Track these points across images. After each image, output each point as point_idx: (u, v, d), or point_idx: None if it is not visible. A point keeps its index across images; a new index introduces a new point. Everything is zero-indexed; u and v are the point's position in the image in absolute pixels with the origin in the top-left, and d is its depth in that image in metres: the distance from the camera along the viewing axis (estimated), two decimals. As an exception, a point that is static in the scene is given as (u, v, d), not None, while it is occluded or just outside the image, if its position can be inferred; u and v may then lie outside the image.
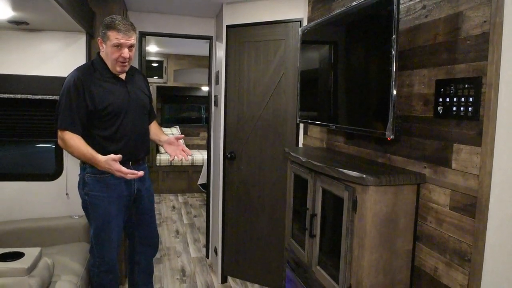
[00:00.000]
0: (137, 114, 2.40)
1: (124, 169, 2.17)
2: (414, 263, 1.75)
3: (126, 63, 2.28)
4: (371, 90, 1.84)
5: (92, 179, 2.30)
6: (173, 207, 6.02)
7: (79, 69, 2.32)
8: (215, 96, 3.70)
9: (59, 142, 2.27)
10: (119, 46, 2.20)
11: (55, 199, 3.00)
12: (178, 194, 6.75)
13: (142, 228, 2.58)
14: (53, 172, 3.05)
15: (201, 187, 6.11)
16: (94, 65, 2.32)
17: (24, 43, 2.87)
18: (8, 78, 2.78)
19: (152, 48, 6.21)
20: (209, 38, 3.81)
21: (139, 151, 2.44)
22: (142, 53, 3.73)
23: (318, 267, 2.04)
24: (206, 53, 3.95)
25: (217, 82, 3.59)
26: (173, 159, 2.55)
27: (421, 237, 1.72)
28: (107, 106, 2.26)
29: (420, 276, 1.72)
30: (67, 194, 3.02)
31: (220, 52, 3.47)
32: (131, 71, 2.44)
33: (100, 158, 2.17)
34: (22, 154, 3.20)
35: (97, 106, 2.24)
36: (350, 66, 2.03)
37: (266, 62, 3.12)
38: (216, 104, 3.63)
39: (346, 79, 2.07)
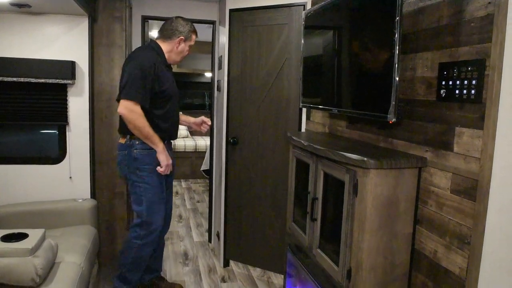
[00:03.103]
0: (177, 100, 2.77)
1: (170, 162, 2.59)
2: (414, 246, 1.76)
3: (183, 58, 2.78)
4: (374, 73, 1.83)
5: (142, 153, 2.55)
6: (176, 192, 6.05)
7: (152, 53, 2.59)
8: (218, 81, 3.69)
9: (127, 112, 2.43)
10: (191, 46, 2.74)
11: (59, 183, 3.03)
12: (182, 180, 6.78)
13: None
14: (57, 155, 3.07)
15: (204, 173, 6.14)
16: (158, 53, 2.63)
17: (27, 26, 2.86)
18: (11, 61, 2.78)
19: (155, 33, 6.18)
20: (212, 22, 3.79)
21: (176, 131, 2.83)
22: (145, 38, 3.71)
23: (319, 250, 2.05)
24: (210, 39, 3.93)
25: (220, 67, 3.57)
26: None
27: (421, 221, 1.72)
28: (166, 89, 2.59)
29: (419, 259, 1.73)
30: (70, 177, 3.04)
31: (223, 37, 3.45)
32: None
33: (164, 149, 2.55)
34: (26, 138, 3.22)
35: (159, 88, 2.54)
36: (354, 50, 2.02)
37: (269, 47, 3.10)
38: (219, 89, 3.62)
39: (349, 62, 2.06)
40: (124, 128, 2.55)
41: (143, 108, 2.45)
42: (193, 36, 2.71)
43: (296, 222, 2.40)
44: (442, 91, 1.58)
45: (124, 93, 2.44)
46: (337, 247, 1.87)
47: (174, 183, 6.57)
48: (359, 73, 1.97)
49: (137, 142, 2.54)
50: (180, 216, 4.90)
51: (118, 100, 2.52)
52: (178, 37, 2.65)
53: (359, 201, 1.69)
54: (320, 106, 2.35)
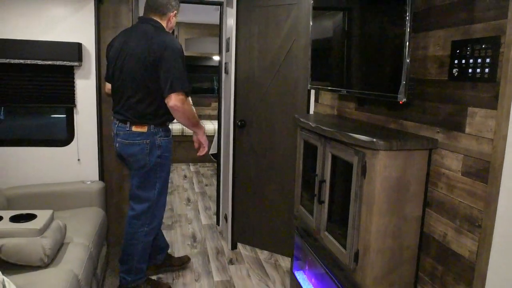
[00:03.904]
0: None
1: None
2: (423, 229, 1.74)
3: None
4: (384, 53, 1.78)
5: (166, 141, 2.54)
6: (185, 176, 6.07)
7: (172, 36, 2.51)
8: (225, 63, 3.65)
9: (182, 105, 2.36)
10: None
11: (67, 165, 3.04)
12: (190, 164, 6.80)
13: None
14: (65, 138, 3.07)
15: (212, 157, 6.13)
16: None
17: (33, 7, 2.84)
18: (17, 43, 2.77)
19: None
20: (219, 3, 3.73)
21: None
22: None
23: (326, 233, 2.03)
24: (217, 21, 3.87)
25: (227, 49, 3.53)
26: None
27: (431, 203, 1.69)
28: None
29: (428, 242, 1.71)
30: (78, 159, 3.05)
31: (230, 18, 3.39)
32: None
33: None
34: (34, 121, 3.23)
35: None
36: (364, 29, 1.96)
37: (277, 28, 3.04)
38: (226, 71, 3.58)
39: (359, 42, 2.00)
40: (144, 117, 2.45)
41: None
42: (179, 5, 2.62)
43: (304, 205, 2.38)
44: (454, 70, 1.53)
45: (175, 86, 2.33)
46: (344, 230, 1.85)
47: (183, 166, 6.63)
48: (369, 53, 1.92)
49: (161, 130, 2.52)
50: (188, 199, 4.92)
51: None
52: (172, 11, 2.55)
53: (367, 183, 1.67)
54: (329, 88, 2.31)
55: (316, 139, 2.13)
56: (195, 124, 2.56)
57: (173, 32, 6.58)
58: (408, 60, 1.55)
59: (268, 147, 3.23)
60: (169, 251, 3.13)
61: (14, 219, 2.03)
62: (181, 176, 6.02)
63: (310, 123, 2.12)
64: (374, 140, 1.58)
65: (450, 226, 1.58)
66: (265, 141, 3.23)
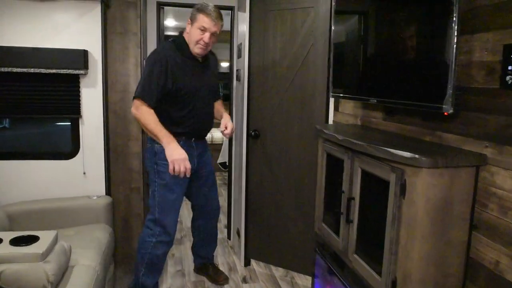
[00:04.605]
0: (207, 97, 2.58)
1: (179, 158, 2.36)
2: (469, 254, 1.55)
3: (206, 48, 2.44)
4: (424, 58, 1.60)
5: (162, 149, 2.42)
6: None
7: (165, 47, 2.48)
8: (237, 70, 3.48)
9: (133, 109, 2.40)
10: (203, 30, 2.37)
11: (72, 179, 2.88)
12: (197, 173, 6.62)
13: (199, 198, 2.86)
14: (70, 150, 2.91)
15: (220, 166, 5.97)
16: (177, 45, 2.47)
17: (35, 13, 2.69)
18: (20, 51, 2.61)
19: (170, 22, 6.00)
20: (230, 8, 3.58)
21: (204, 130, 2.68)
22: (160, 26, 3.53)
23: (356, 256, 1.85)
24: (227, 27, 3.71)
25: (239, 56, 3.37)
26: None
27: (479, 226, 1.51)
28: (182, 87, 2.43)
29: (476, 270, 1.53)
30: (84, 173, 2.89)
31: (242, 23, 3.24)
32: (209, 54, 2.59)
33: (170, 144, 2.37)
34: (36, 132, 3.08)
35: (174, 86, 2.40)
36: (399, 32, 1.78)
37: (293, 33, 2.88)
38: (238, 78, 3.42)
39: (392, 47, 1.82)
40: None
41: (157, 105, 2.39)
42: (199, 15, 2.36)
43: (327, 223, 2.20)
44: (508, 77, 1.35)
45: (136, 91, 2.40)
46: (377, 254, 1.67)
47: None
48: (404, 59, 1.74)
49: None
50: (197, 211, 4.74)
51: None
52: (187, 21, 2.46)
53: (408, 204, 1.49)
54: (355, 96, 2.13)
55: (342, 152, 1.96)
56: (154, 134, 2.39)
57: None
58: (454, 67, 1.38)
59: (284, 158, 3.05)
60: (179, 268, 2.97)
61: (15, 242, 1.86)
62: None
63: (337, 135, 1.94)
64: (417, 156, 1.40)
65: (504, 253, 1.40)
66: (281, 152, 3.06)
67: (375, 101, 1.89)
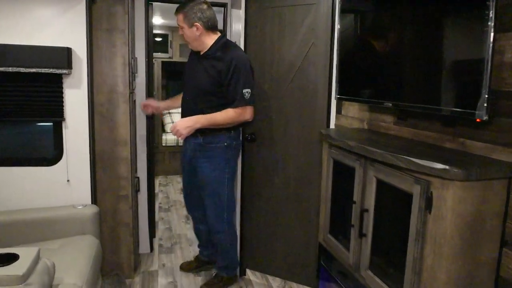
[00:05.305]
0: (193, 91, 2.66)
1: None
2: (499, 273, 1.42)
3: (188, 42, 2.64)
4: (453, 58, 1.46)
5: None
6: (181, 189, 5.69)
7: None
8: (231, 70, 3.31)
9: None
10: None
11: (55, 187, 2.66)
12: (186, 176, 6.42)
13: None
14: (52, 156, 2.70)
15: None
16: None
17: (15, 8, 2.46)
18: (-3, 48, 2.39)
19: (157, 20, 5.77)
20: (223, 5, 3.40)
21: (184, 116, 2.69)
22: (149, 23, 3.33)
23: (369, 272, 1.71)
24: (220, 25, 3.54)
25: (233, 55, 3.19)
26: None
27: (510, 242, 1.38)
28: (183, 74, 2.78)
29: (508, 290, 1.40)
30: (68, 180, 2.68)
31: (237, 21, 3.07)
32: (215, 52, 2.57)
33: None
34: (16, 136, 2.85)
35: None
36: (421, 29, 1.63)
37: (293, 31, 2.72)
38: (232, 79, 3.25)
39: (412, 45, 1.68)
40: None
41: None
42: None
43: (334, 235, 2.06)
44: (548, 80, 1.23)
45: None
46: (394, 271, 1.53)
47: (179, 179, 6.19)
48: (430, 60, 1.59)
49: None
50: (187, 217, 4.55)
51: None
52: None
53: (435, 219, 1.35)
54: (366, 99, 1.99)
55: (353, 159, 1.81)
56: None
57: (165, 37, 6.25)
58: (491, 68, 1.24)
59: (282, 164, 2.89)
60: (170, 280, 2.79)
61: (-9, 261, 1.66)
62: (178, 190, 5.65)
63: (347, 141, 1.80)
64: (448, 167, 1.26)
65: (542, 274, 1.27)
66: (279, 156, 2.90)
67: (390, 104, 1.75)
